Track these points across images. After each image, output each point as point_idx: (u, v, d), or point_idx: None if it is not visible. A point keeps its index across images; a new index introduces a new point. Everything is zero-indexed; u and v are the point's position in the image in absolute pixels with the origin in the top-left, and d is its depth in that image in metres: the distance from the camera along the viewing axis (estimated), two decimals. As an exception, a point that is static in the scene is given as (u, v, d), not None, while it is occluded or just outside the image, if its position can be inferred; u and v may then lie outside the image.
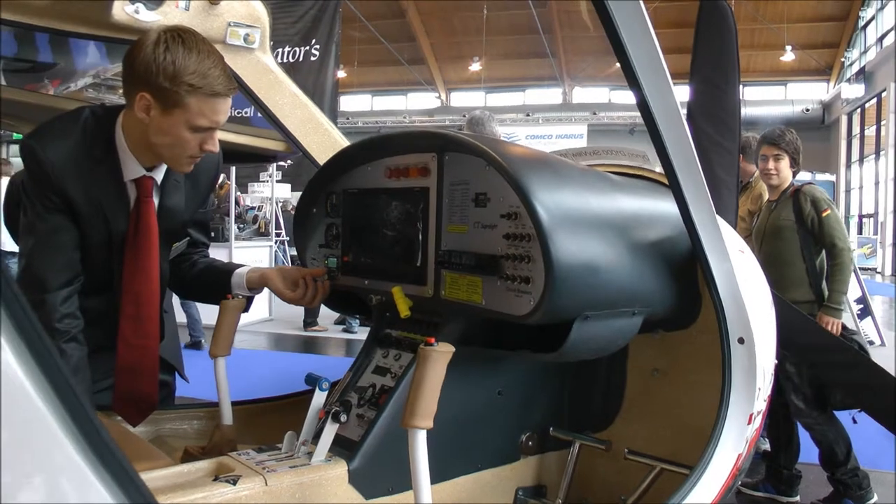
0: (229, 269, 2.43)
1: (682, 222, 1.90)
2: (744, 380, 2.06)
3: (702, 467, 1.97)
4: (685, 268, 2.10)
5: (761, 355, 2.10)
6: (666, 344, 2.31)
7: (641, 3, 1.52)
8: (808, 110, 33.76)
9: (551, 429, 2.35)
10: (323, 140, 2.69)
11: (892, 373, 3.16)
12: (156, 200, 2.22)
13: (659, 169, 2.33)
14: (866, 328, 10.32)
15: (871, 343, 10.16)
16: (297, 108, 2.65)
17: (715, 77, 3.09)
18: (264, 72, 2.60)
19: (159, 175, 2.22)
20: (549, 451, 2.37)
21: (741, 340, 2.04)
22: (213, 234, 2.47)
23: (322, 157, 2.62)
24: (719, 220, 2.08)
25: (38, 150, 2.07)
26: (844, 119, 32.74)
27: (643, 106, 1.64)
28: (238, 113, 10.55)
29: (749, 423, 2.10)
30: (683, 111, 1.80)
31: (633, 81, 1.58)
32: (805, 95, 34.80)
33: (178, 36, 1.98)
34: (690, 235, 1.91)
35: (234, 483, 1.64)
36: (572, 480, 2.28)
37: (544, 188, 1.73)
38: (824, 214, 4.21)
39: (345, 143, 2.70)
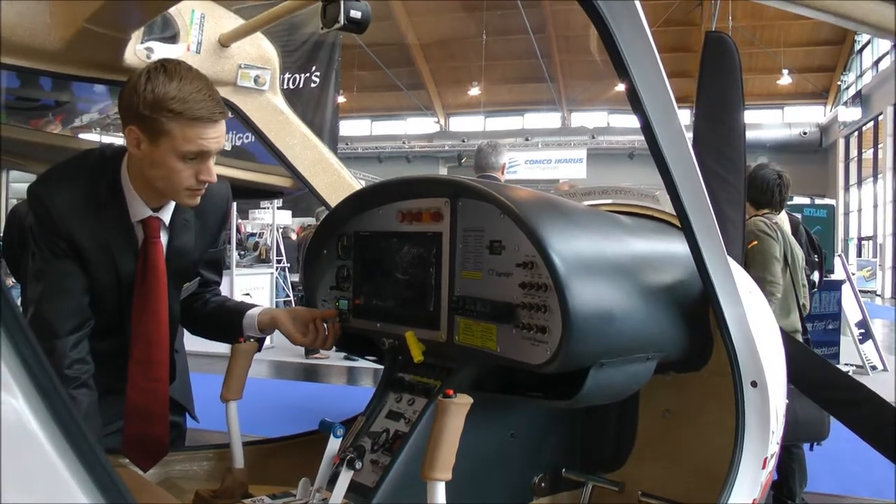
0: (241, 309, 2.40)
1: (693, 264, 1.90)
2: (757, 423, 2.06)
3: None
4: (697, 310, 2.10)
5: (774, 398, 2.09)
6: (677, 385, 2.30)
7: (645, 26, 1.52)
8: (805, 133, 33.95)
9: (564, 470, 2.34)
10: (333, 181, 2.70)
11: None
12: (164, 241, 2.21)
13: (666, 209, 2.34)
14: (868, 352, 10.31)
15: (874, 368, 10.14)
16: (307, 148, 2.67)
17: (719, 112, 3.10)
18: (275, 113, 2.62)
19: (167, 215, 2.20)
20: (561, 492, 2.36)
21: (754, 384, 2.04)
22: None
23: (332, 197, 2.64)
24: (729, 260, 2.09)
25: (45, 196, 2.07)
26: (842, 142, 32.94)
27: (650, 135, 1.63)
28: (239, 140, 10.58)
29: (763, 468, 2.09)
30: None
31: (639, 110, 1.58)
32: (802, 119, 35.03)
33: (162, 66, 1.97)
34: (702, 279, 1.90)
35: (251, 534, 1.64)
36: (585, 522, 2.28)
37: (560, 238, 1.73)
38: (749, 247, 4.20)
39: (355, 183, 2.72)
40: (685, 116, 2.87)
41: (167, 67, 1.96)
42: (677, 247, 2.07)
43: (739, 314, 1.97)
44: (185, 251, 2.27)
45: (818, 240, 6.04)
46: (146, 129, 1.96)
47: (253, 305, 2.43)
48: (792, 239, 4.75)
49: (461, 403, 1.57)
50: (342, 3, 2.16)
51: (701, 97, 3.12)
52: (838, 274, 10.61)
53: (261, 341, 2.38)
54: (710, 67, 3.05)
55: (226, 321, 2.40)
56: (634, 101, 1.53)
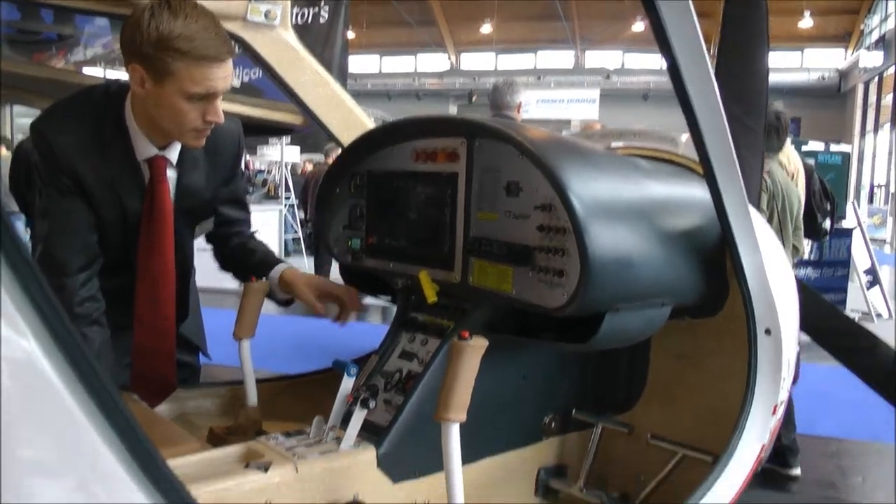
0: (267, 264, 2.39)
1: (712, 209, 1.89)
2: (770, 371, 2.06)
3: (727, 457, 1.97)
4: (714, 256, 2.08)
5: (787, 345, 2.10)
6: (691, 330, 2.30)
7: None
8: (824, 78, 33.41)
9: (574, 410, 2.36)
10: (345, 118, 2.66)
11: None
12: (173, 180, 2.19)
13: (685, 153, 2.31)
14: (874, 299, 10.32)
15: (880, 315, 10.16)
16: (319, 85, 2.62)
17: (742, 55, 3.05)
18: (286, 49, 2.57)
19: (174, 154, 2.17)
20: (571, 432, 2.37)
21: (768, 331, 2.04)
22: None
23: (344, 135, 2.60)
24: (751, 207, 2.07)
25: (48, 133, 2.05)
26: (861, 87, 32.40)
27: (676, 77, 1.58)
28: (247, 75, 10.48)
29: (773, 414, 2.10)
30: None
31: (666, 50, 1.52)
32: (822, 63, 34.37)
33: (166, 2, 1.90)
34: (722, 225, 1.89)
35: (266, 470, 1.65)
36: (594, 461, 2.29)
37: (580, 181, 1.71)
38: None
39: (368, 121, 2.68)
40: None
41: (171, 4, 1.90)
42: (696, 192, 2.05)
43: (757, 261, 1.96)
44: (194, 190, 2.24)
45: (831, 188, 6.00)
46: (150, 69, 1.91)
47: (279, 261, 2.42)
48: (787, 183, 4.71)
49: (477, 346, 1.57)
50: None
51: (724, 39, 3.06)
52: (850, 221, 10.57)
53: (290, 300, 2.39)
54: (735, 8, 2.99)
55: (256, 273, 2.33)
56: (662, 41, 1.49)
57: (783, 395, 2.18)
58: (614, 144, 2.48)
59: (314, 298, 2.30)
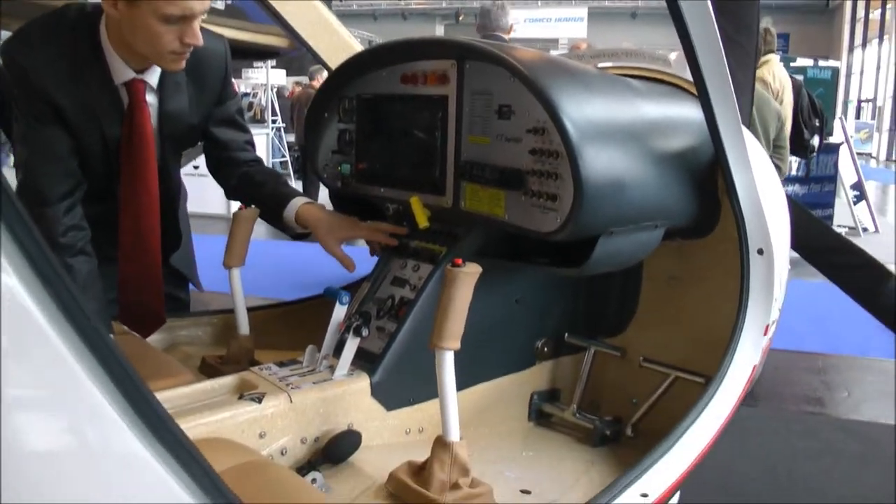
0: (282, 196, 2.24)
1: (705, 129, 1.86)
2: (762, 291, 2.06)
3: (720, 377, 1.98)
4: (706, 177, 2.07)
5: (779, 265, 2.09)
6: (683, 252, 2.29)
7: None
8: (813, -7, 33.10)
9: (566, 334, 2.36)
10: (333, 41, 2.60)
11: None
12: (154, 105, 2.10)
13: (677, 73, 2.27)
14: (860, 214, 10.39)
15: (866, 230, 10.25)
16: (304, 8, 2.55)
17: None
18: (270, -31, 2.49)
19: (153, 77, 2.07)
20: (564, 356, 2.38)
21: (760, 251, 2.03)
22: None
23: (332, 59, 2.55)
24: (743, 128, 2.04)
25: (21, 56, 1.96)
26: (849, 2, 32.15)
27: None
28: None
29: (765, 334, 2.11)
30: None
31: None
32: (811, -22, 33.99)
33: None
34: (715, 144, 1.87)
35: (260, 401, 1.65)
36: (586, 385, 2.31)
37: (573, 103, 1.68)
38: None
39: (355, 44, 2.62)
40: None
41: None
42: (689, 112, 2.02)
43: (749, 181, 1.95)
44: (178, 115, 2.15)
45: (820, 104, 5.96)
46: None
47: (294, 193, 2.27)
48: (767, 99, 4.68)
49: (470, 273, 1.56)
50: None
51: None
52: (837, 137, 10.58)
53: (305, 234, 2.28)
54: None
55: (269, 205, 2.25)
56: None
57: (775, 315, 2.19)
58: (604, 65, 2.42)
59: (342, 252, 2.16)
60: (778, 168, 4.70)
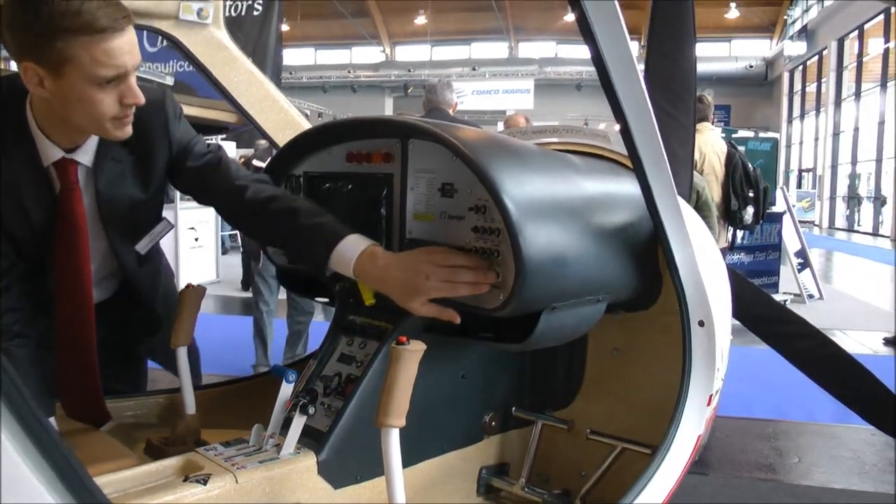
0: (326, 236, 1.83)
1: (643, 204, 1.91)
2: (704, 362, 2.10)
3: (664, 448, 2.00)
4: (647, 250, 2.11)
5: (720, 336, 2.13)
6: (626, 324, 2.33)
7: None
8: (751, 67, 34.39)
9: (514, 409, 2.38)
10: (279, 118, 2.64)
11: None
12: (90, 185, 1.96)
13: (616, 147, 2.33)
14: (805, 281, 10.64)
15: (811, 296, 10.48)
16: (252, 85, 2.59)
17: (670, 48, 3.09)
18: (219, 48, 2.54)
19: (86, 156, 1.93)
20: (511, 430, 2.39)
21: (701, 323, 2.07)
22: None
23: (279, 135, 2.59)
24: (681, 201, 2.09)
25: None
26: (787, 76, 33.37)
27: (601, 68, 1.57)
28: (181, 67, 10.26)
29: (709, 405, 2.14)
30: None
31: (590, 39, 1.51)
32: (749, 52, 35.31)
33: None
34: (653, 219, 1.91)
35: (205, 483, 1.63)
36: (535, 458, 2.31)
37: (512, 181, 1.71)
38: None
39: (302, 121, 2.66)
40: (635, 50, 2.84)
41: None
42: (628, 187, 2.07)
43: (688, 254, 1.99)
44: (118, 194, 2.00)
45: (755, 174, 6.10)
46: (44, 62, 1.66)
47: (343, 232, 1.83)
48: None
49: (414, 350, 1.57)
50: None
51: (652, 32, 3.10)
52: (780, 206, 10.87)
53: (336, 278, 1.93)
54: (662, 6, 3.03)
55: (304, 245, 1.91)
56: (585, 30, 1.49)
57: (717, 385, 2.22)
58: (544, 141, 2.48)
59: (429, 308, 1.77)
60: None
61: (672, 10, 3.02)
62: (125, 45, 1.71)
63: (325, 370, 2.04)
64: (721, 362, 2.21)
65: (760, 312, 3.37)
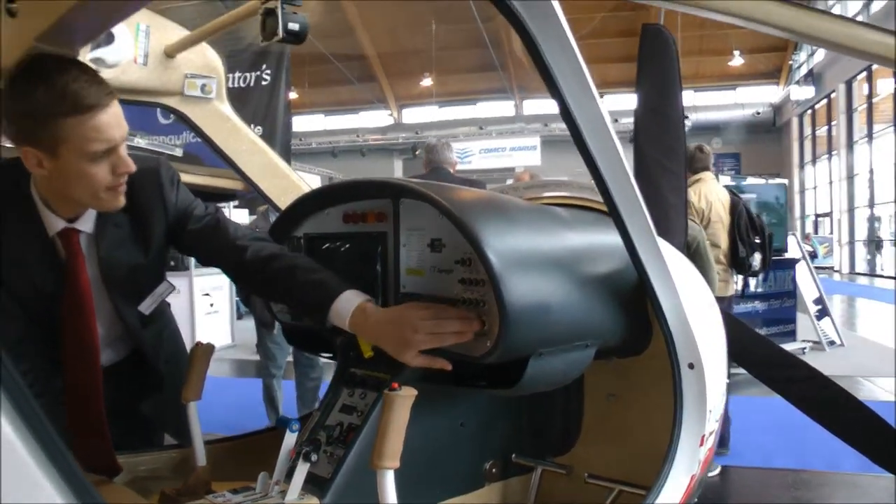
0: (326, 290, 1.94)
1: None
2: (695, 403, 2.16)
3: (657, 490, 2.06)
4: (634, 298, 2.18)
5: (711, 378, 2.19)
6: (620, 370, 2.40)
7: (558, 11, 1.52)
8: (758, 113, 34.26)
9: (514, 455, 2.44)
10: (282, 184, 2.77)
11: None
12: (93, 253, 2.08)
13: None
14: (825, 328, 10.50)
15: (832, 343, 10.34)
16: (255, 153, 2.74)
17: (658, 102, 3.21)
18: (223, 120, 2.68)
19: (87, 224, 2.05)
20: (512, 477, 2.45)
21: (691, 366, 2.13)
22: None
23: (282, 199, 2.71)
24: (666, 245, 2.17)
25: None
26: (795, 121, 33.29)
27: (569, 122, 1.66)
28: (194, 138, 10.47)
29: (701, 445, 2.20)
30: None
31: (555, 93, 1.59)
32: (755, 98, 35.26)
33: (20, 74, 1.78)
34: (637, 269, 1.99)
35: (213, 528, 1.71)
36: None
37: (495, 235, 1.81)
38: None
39: (303, 185, 2.79)
40: (633, 102, 2.98)
41: (29, 70, 1.78)
42: (614, 238, 2.15)
43: (673, 299, 2.05)
44: (118, 258, 2.12)
45: (760, 221, 6.15)
46: (41, 145, 1.79)
47: (340, 288, 1.94)
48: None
49: (406, 396, 1.65)
50: (280, 16, 2.22)
51: (640, 88, 3.23)
52: (793, 252, 10.78)
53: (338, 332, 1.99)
54: (648, 59, 3.15)
55: (304, 301, 2.02)
56: (551, 86, 1.58)
57: (711, 427, 2.28)
58: (535, 196, 2.58)
59: (421, 359, 1.86)
60: None
61: (658, 65, 3.14)
62: (112, 119, 1.82)
63: (328, 420, 2.12)
64: (714, 403, 2.27)
65: (761, 357, 3.42)
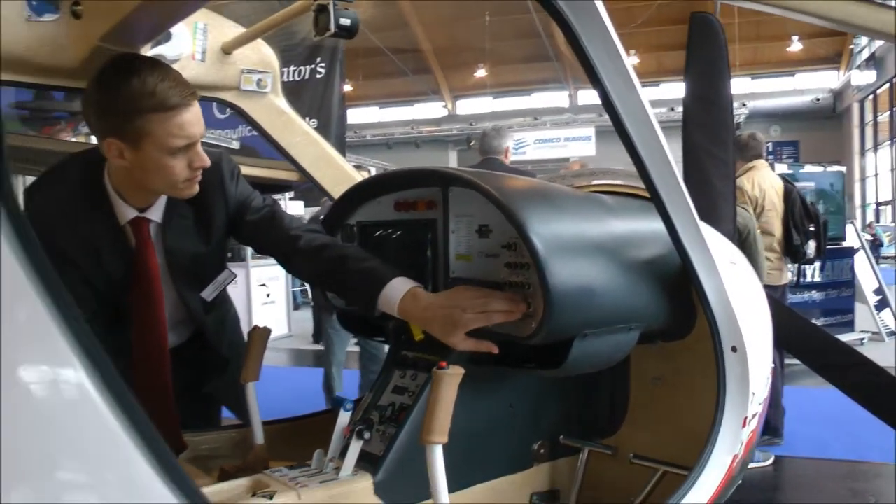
0: (375, 278, 2.01)
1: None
2: (738, 386, 2.19)
3: (699, 469, 2.11)
4: (678, 283, 2.22)
5: (755, 361, 2.22)
6: (665, 353, 2.45)
7: (599, 4, 1.57)
8: (818, 100, 33.53)
9: (561, 437, 2.50)
10: (335, 174, 2.86)
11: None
12: (159, 241, 2.19)
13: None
14: (885, 319, 10.31)
15: (893, 334, 10.15)
16: (309, 145, 2.83)
17: (707, 90, 3.23)
18: (278, 113, 2.78)
19: (156, 214, 2.16)
20: (560, 458, 2.52)
21: (734, 349, 2.16)
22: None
23: (335, 189, 2.80)
24: (711, 231, 2.21)
25: (28, 198, 2.10)
26: (856, 107, 32.46)
27: (611, 111, 1.70)
28: (250, 132, 10.66)
29: (744, 427, 2.23)
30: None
31: (597, 84, 1.64)
32: (815, 84, 34.52)
33: (111, 69, 1.89)
34: (678, 251, 2.03)
35: (271, 498, 1.80)
36: (583, 484, 2.44)
37: (539, 220, 1.87)
38: None
39: (356, 175, 2.87)
40: (681, 90, 3.01)
41: (118, 67, 1.89)
42: (658, 224, 2.19)
43: (716, 283, 2.09)
44: (183, 247, 2.23)
45: (814, 209, 6.10)
46: (125, 137, 1.90)
47: (389, 276, 2.01)
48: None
49: (453, 374, 1.73)
50: (332, 12, 2.30)
51: (689, 76, 3.25)
52: (851, 241, 10.57)
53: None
54: (697, 48, 3.17)
55: (354, 289, 2.09)
56: (592, 76, 1.63)
57: (754, 409, 2.31)
58: (583, 183, 2.63)
59: (469, 342, 1.91)
60: None
61: (706, 53, 3.16)
62: (193, 118, 1.94)
63: (381, 401, 2.20)
64: (758, 386, 2.30)
65: (809, 344, 3.42)
